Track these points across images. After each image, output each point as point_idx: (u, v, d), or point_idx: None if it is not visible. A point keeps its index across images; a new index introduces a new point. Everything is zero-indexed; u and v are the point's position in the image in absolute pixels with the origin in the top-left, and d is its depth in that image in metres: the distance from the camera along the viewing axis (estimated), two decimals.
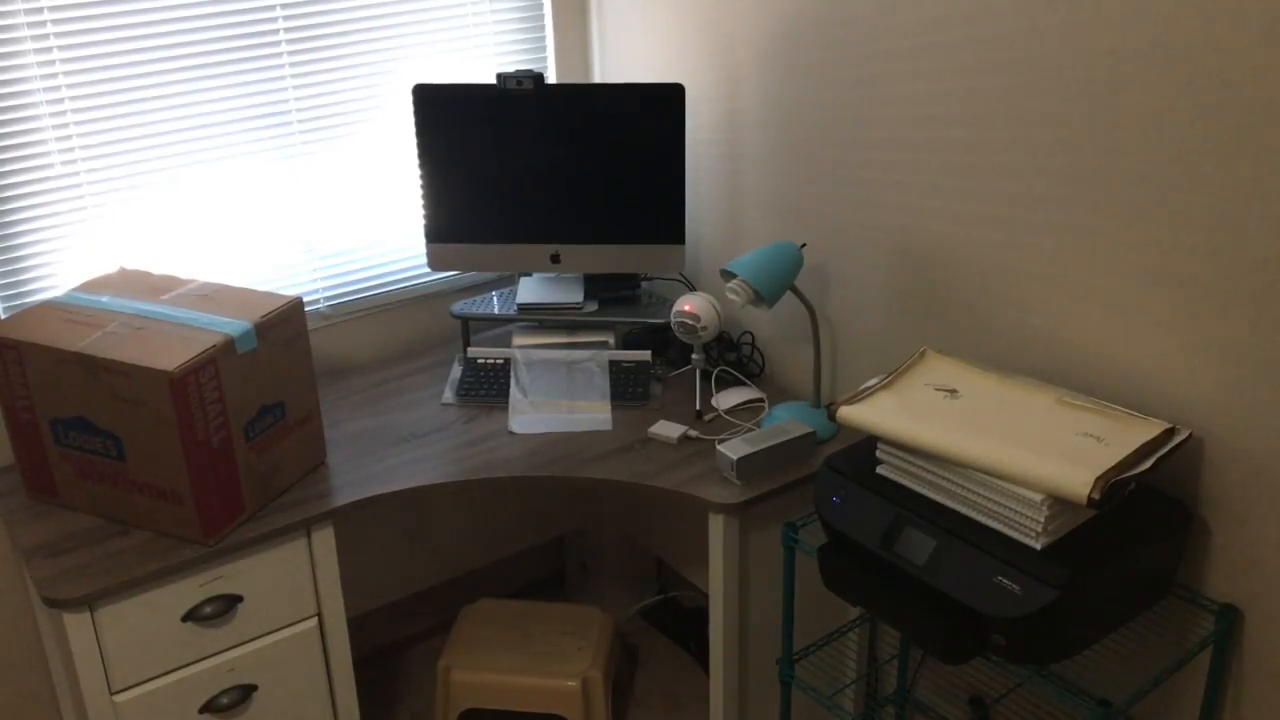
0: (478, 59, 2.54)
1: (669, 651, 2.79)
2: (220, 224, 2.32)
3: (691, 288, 2.57)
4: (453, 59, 2.50)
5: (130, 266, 2.21)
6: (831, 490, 1.76)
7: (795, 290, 2.13)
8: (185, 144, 2.23)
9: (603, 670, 2.39)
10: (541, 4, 2.59)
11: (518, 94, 2.32)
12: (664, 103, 2.29)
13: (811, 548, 1.80)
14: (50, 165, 2.11)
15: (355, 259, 2.50)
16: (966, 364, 1.81)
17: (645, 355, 2.38)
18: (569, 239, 2.41)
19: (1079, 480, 1.48)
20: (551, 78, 2.66)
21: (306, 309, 2.44)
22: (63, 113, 2.09)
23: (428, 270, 2.57)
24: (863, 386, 1.78)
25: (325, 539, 1.99)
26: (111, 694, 1.85)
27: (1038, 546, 1.53)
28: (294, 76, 2.31)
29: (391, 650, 2.82)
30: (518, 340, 2.46)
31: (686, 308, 2.22)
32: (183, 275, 2.24)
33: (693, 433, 2.17)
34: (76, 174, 2.13)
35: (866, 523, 1.69)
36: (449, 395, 2.35)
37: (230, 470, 1.89)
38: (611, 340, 2.46)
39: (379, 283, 2.55)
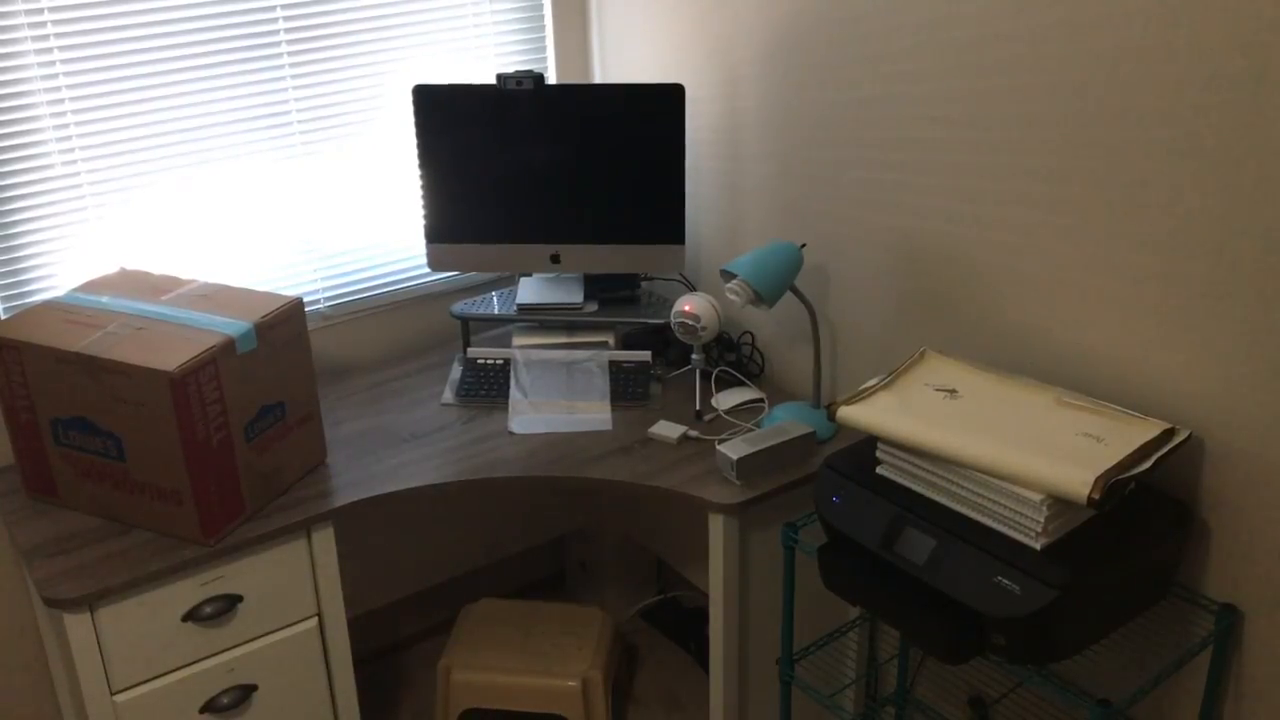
0: (478, 59, 2.54)
1: (669, 651, 2.79)
2: (220, 224, 2.32)
3: (691, 288, 2.57)
4: (453, 59, 2.51)
5: (130, 266, 2.22)
6: (831, 490, 1.76)
7: (795, 290, 2.13)
8: (185, 144, 2.23)
9: (603, 670, 2.39)
10: (541, 4, 2.59)
11: (518, 94, 2.32)
12: (664, 103, 2.29)
13: (811, 548, 1.80)
14: (50, 165, 2.11)
15: (355, 259, 2.50)
16: (966, 364, 1.81)
17: (645, 355, 2.38)
18: (569, 239, 2.41)
19: (1079, 480, 1.48)
20: (551, 78, 2.66)
21: (307, 309, 2.44)
22: (63, 113, 2.09)
23: (428, 270, 2.57)
24: (862, 386, 1.78)
25: (325, 539, 1.99)
26: (111, 694, 1.85)
27: (1038, 546, 1.53)
28: (294, 77, 2.31)
29: (391, 650, 2.82)
30: (518, 340, 2.46)
31: (686, 308, 2.22)
32: (183, 275, 2.24)
33: (693, 433, 2.17)
34: (77, 174, 2.14)
35: (866, 523, 1.69)
36: (449, 395, 2.35)
37: (230, 470, 1.89)
38: (611, 340, 2.46)
39: (379, 283, 2.55)
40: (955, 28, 1.81)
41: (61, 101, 2.08)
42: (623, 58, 2.60)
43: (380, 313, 2.57)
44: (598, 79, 2.70)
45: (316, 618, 2.03)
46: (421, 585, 2.72)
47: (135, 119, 2.17)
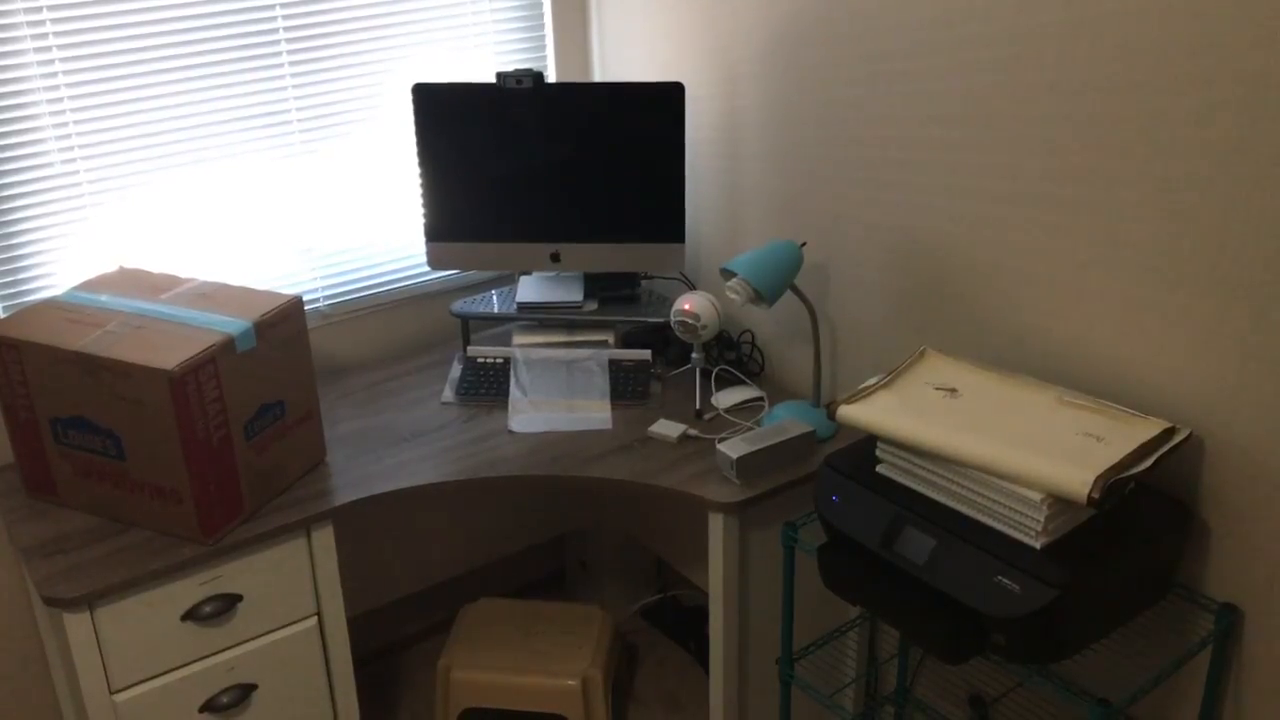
0: (478, 59, 2.54)
1: (669, 651, 2.79)
2: (220, 223, 2.32)
3: (691, 287, 2.57)
4: (453, 59, 2.50)
5: (129, 265, 2.21)
6: (831, 489, 1.76)
7: (795, 289, 2.13)
8: (185, 143, 2.23)
9: (603, 670, 2.39)
10: (541, 4, 2.59)
11: (518, 93, 2.32)
12: (664, 102, 2.29)
13: (811, 547, 1.80)
14: (50, 164, 2.11)
15: (355, 258, 2.50)
16: (966, 363, 1.81)
17: (645, 354, 2.38)
18: (569, 238, 2.41)
19: (1078, 479, 1.48)
20: (551, 77, 2.66)
21: (306, 308, 2.44)
22: (62, 112, 2.09)
23: (427, 269, 2.57)
24: (862, 385, 1.77)
25: (325, 538, 1.99)
26: (111, 693, 1.85)
27: (1037, 546, 1.53)
28: (294, 76, 2.31)
29: (391, 650, 2.82)
30: (517, 339, 2.46)
31: (686, 307, 2.21)
32: (182, 274, 2.24)
33: (692, 432, 2.17)
34: (76, 173, 2.13)
35: (866, 522, 1.69)
36: (449, 394, 2.35)
37: (230, 469, 1.88)
38: (611, 339, 2.46)
39: (378, 282, 2.55)
40: (955, 27, 1.81)
41: (61, 101, 2.08)
42: (623, 57, 2.60)
43: (380, 311, 2.56)
44: (598, 78, 2.70)
45: (316, 617, 2.03)
46: (421, 585, 2.72)
47: (134, 118, 2.17)
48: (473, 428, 2.23)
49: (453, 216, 2.41)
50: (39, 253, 2.15)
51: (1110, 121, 1.63)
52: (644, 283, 2.57)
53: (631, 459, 2.10)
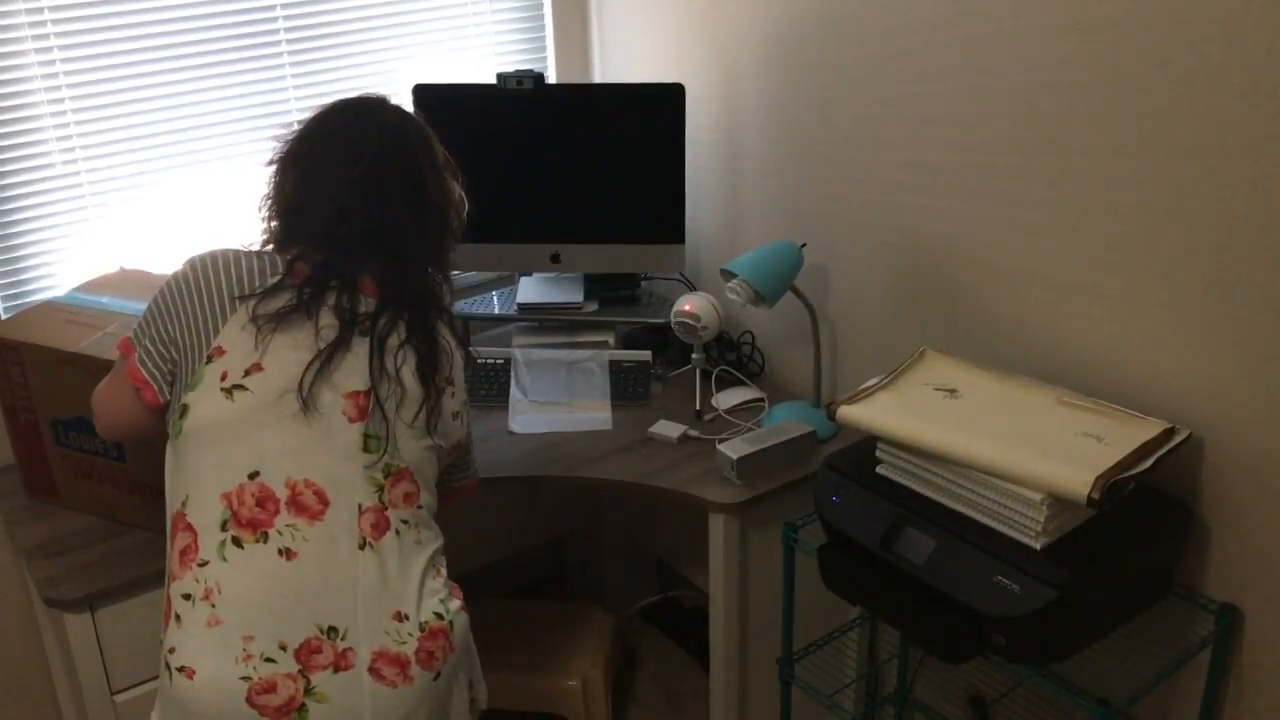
0: (478, 59, 2.54)
1: (669, 651, 2.79)
2: (221, 224, 2.32)
3: (692, 287, 2.57)
4: (453, 59, 2.51)
5: (131, 266, 2.21)
6: (831, 490, 1.76)
7: (795, 290, 2.13)
8: (186, 144, 2.23)
9: (603, 670, 2.39)
10: (541, 4, 2.59)
11: (518, 94, 2.32)
12: (664, 103, 2.29)
13: (811, 547, 1.80)
14: (51, 165, 2.11)
15: None
16: (966, 364, 1.81)
17: (645, 355, 2.38)
18: (569, 239, 2.41)
19: (1079, 480, 1.48)
20: (551, 78, 2.66)
21: None
22: (63, 112, 2.09)
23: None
24: (862, 386, 1.78)
25: None
26: (112, 694, 1.85)
27: (1037, 546, 1.53)
28: (294, 76, 2.31)
29: None
30: (518, 340, 2.46)
31: (686, 307, 2.21)
32: None
33: (693, 432, 2.17)
34: (77, 174, 2.14)
35: (866, 522, 1.69)
36: None
37: None
38: (611, 340, 2.46)
39: None
40: (955, 27, 1.81)
41: (61, 101, 2.08)
42: (623, 58, 2.60)
43: None
44: (598, 79, 2.70)
45: None
46: None
47: (135, 118, 2.17)
48: (473, 428, 2.22)
49: None
50: (40, 253, 2.15)
51: (1110, 123, 1.63)
52: (644, 283, 2.58)
53: (632, 460, 2.10)
